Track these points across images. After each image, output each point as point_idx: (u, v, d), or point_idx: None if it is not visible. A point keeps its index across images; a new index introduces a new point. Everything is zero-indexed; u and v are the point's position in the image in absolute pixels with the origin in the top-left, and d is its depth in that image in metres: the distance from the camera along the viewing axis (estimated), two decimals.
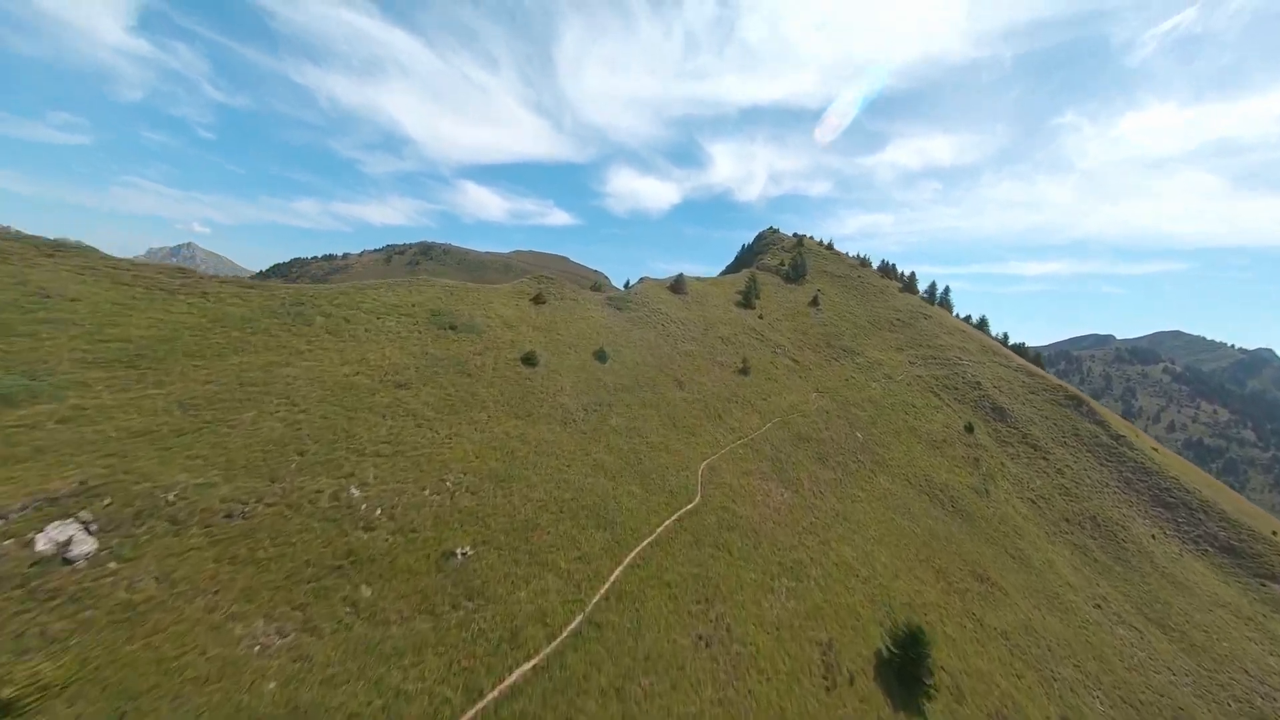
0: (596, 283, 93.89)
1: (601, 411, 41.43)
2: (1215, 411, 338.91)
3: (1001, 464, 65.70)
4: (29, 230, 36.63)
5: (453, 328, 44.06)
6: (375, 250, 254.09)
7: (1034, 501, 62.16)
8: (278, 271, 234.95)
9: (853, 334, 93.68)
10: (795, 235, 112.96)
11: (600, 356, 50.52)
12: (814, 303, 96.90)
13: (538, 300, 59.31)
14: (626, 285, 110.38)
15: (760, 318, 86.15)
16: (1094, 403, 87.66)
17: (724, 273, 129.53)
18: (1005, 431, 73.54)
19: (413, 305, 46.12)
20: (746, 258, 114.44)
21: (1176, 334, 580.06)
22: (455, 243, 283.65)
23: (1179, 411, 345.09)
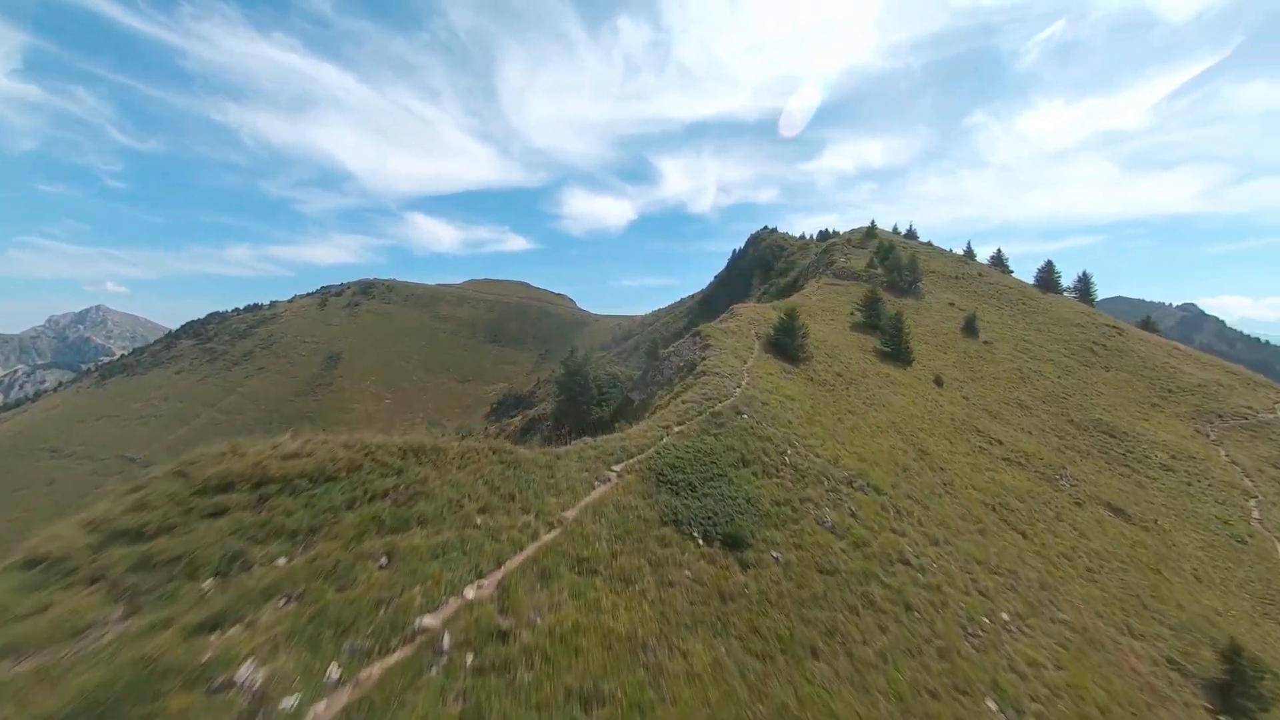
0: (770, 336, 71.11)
1: None
2: None
3: None
4: None
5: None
6: (308, 295, 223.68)
7: None
8: (190, 331, 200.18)
9: (1081, 391, 50.61)
10: (869, 227, 62.82)
11: None
12: (969, 329, 56.11)
13: None
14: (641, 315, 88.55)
15: (907, 366, 42.35)
16: None
17: (715, 284, 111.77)
18: None
19: None
20: (746, 265, 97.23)
21: (1119, 298, 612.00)
22: (405, 277, 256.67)
23: None
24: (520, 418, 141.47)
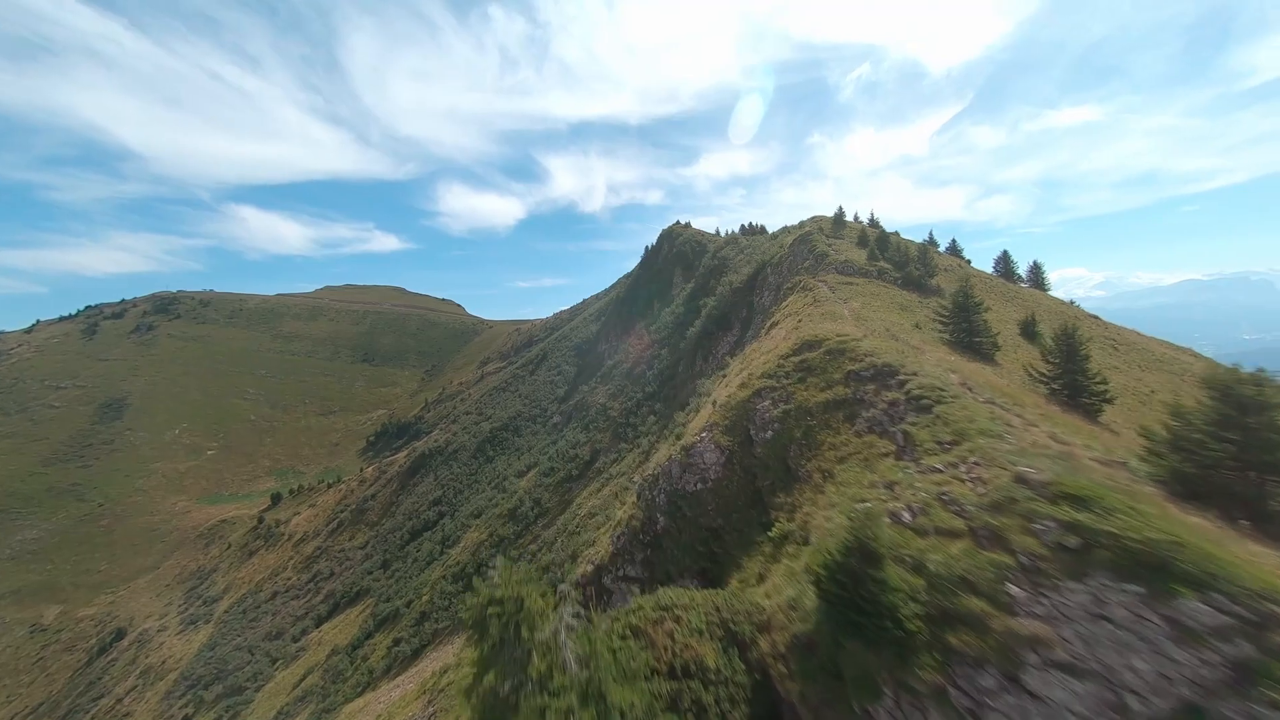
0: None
1: None
2: None
3: None
4: None
5: None
6: (63, 319, 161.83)
7: None
8: None
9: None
10: (837, 215, 48.33)
11: None
12: (1027, 333, 33.28)
13: None
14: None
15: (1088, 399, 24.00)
16: None
17: (631, 283, 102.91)
18: None
19: None
20: (664, 262, 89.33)
21: None
22: (232, 287, 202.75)
23: None
24: (406, 453, 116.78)
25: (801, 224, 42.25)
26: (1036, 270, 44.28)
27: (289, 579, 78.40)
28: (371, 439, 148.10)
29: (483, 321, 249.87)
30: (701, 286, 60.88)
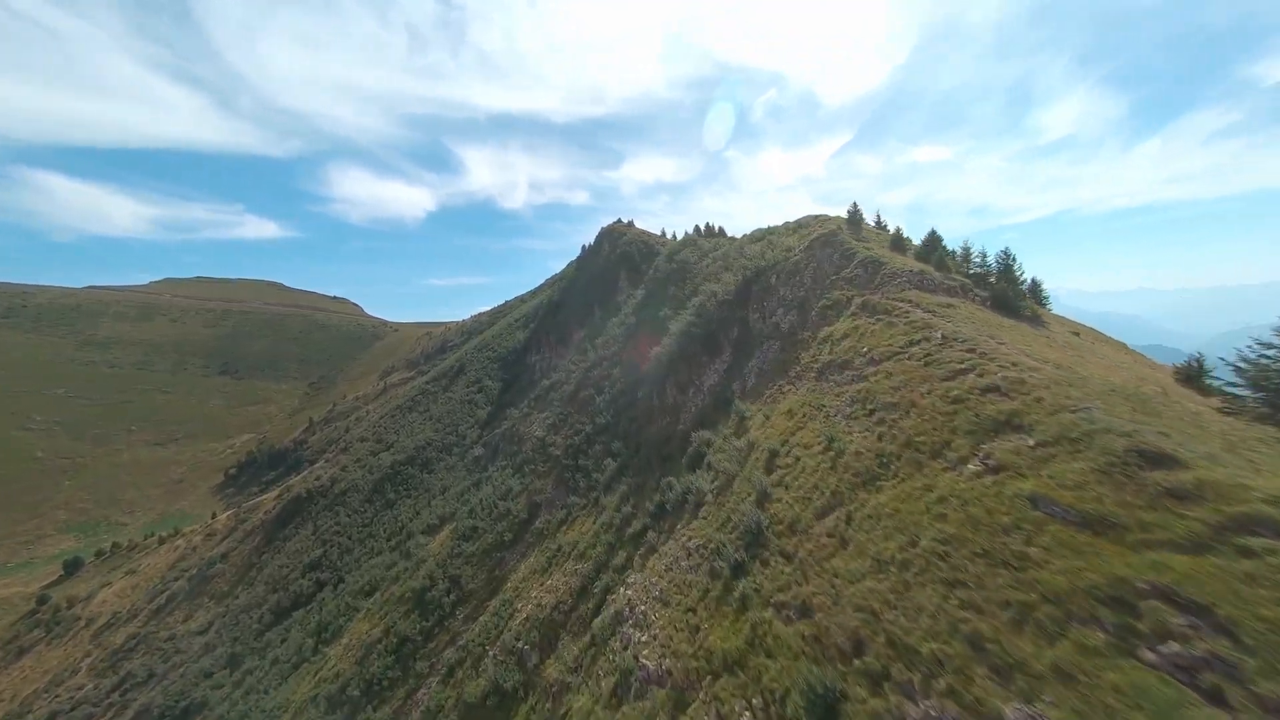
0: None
1: None
2: None
3: None
4: None
5: None
6: None
7: None
8: None
9: None
10: (852, 213, 32.04)
11: None
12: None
13: None
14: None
15: None
16: None
17: (566, 284, 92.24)
18: None
19: None
20: (606, 264, 79.91)
21: None
22: (17, 277, 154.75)
23: None
24: (277, 494, 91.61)
25: (800, 222, 35.16)
26: (1035, 288, 38.38)
27: (79, 688, 55.53)
28: (232, 473, 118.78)
29: (385, 324, 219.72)
30: (656, 294, 52.66)
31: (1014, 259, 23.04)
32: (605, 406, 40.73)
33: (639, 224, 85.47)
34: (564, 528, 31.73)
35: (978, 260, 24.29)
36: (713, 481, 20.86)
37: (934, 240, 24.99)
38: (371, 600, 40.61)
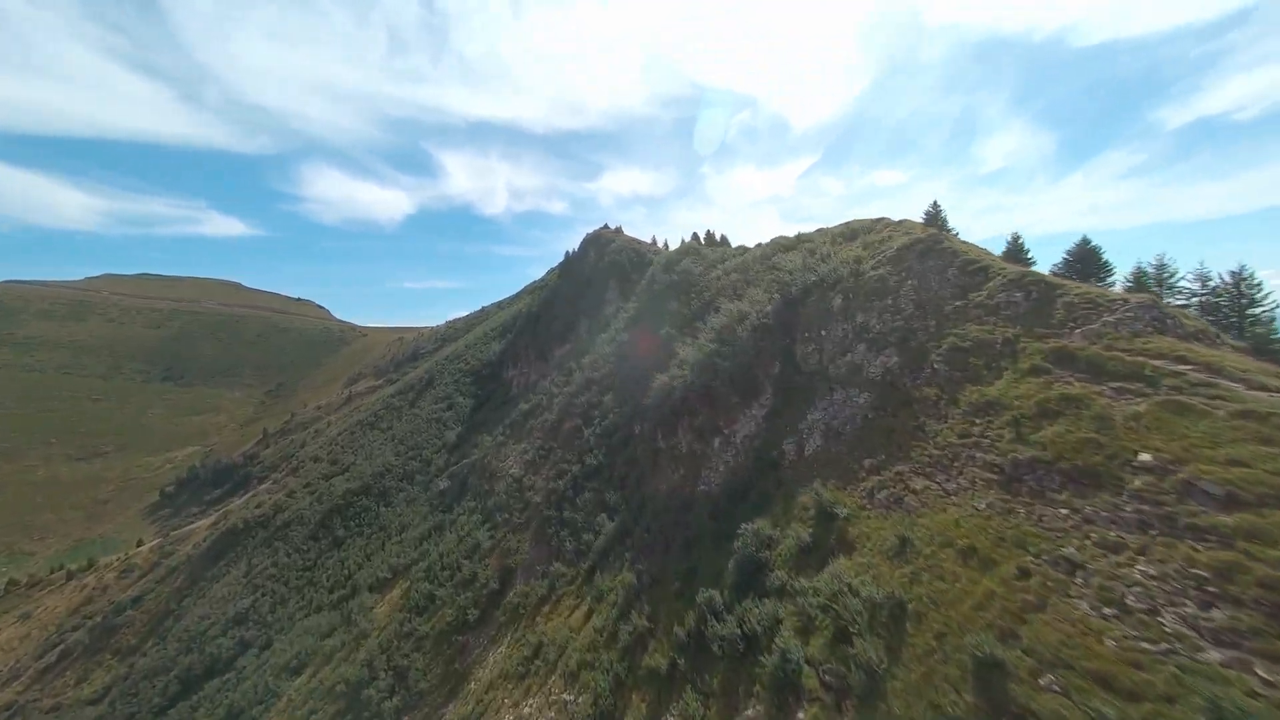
0: None
1: None
2: None
3: None
4: None
5: None
6: None
7: None
8: None
9: None
10: (932, 212, 25.31)
11: None
12: None
13: None
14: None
15: None
16: None
17: (548, 293, 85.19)
18: None
19: None
20: (593, 272, 73.39)
21: None
22: None
23: None
24: (214, 519, 79.92)
25: (851, 227, 27.98)
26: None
27: None
28: (169, 490, 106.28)
29: (353, 328, 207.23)
30: (654, 309, 46.28)
31: (1255, 280, 15.78)
32: (596, 443, 33.98)
33: (625, 232, 79.18)
34: (545, 608, 24.72)
35: (1188, 283, 16.70)
36: (800, 632, 11.91)
37: (1087, 252, 17.60)
38: (296, 684, 32.44)
